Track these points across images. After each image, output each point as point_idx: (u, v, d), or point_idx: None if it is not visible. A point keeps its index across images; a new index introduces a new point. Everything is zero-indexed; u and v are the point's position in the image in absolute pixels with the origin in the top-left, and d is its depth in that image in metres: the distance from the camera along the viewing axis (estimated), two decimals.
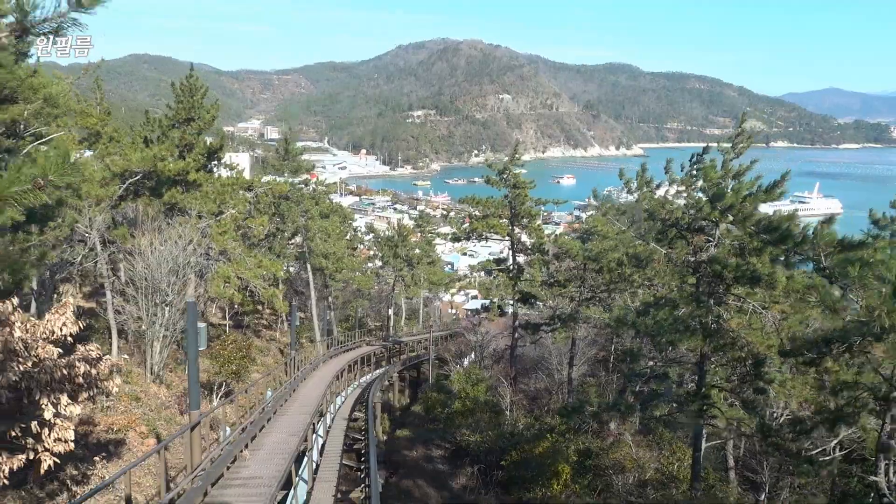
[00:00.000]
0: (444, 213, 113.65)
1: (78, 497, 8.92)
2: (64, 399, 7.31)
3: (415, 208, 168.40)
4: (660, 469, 16.13)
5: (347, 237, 44.12)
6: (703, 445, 12.86)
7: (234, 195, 22.77)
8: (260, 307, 35.19)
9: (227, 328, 29.62)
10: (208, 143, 23.47)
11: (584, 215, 58.90)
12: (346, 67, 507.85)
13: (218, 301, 30.37)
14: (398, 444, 19.79)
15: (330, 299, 39.79)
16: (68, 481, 9.54)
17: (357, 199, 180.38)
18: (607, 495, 15.15)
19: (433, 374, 30.98)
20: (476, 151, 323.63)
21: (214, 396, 17.52)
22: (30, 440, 7.88)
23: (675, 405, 12.89)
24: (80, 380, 7.49)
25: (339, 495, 12.37)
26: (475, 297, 67.78)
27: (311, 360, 27.14)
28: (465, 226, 24.82)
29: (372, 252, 49.16)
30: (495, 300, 26.44)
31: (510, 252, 24.92)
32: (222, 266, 21.44)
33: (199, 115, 22.96)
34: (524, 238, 24.36)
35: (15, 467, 7.85)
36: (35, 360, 7.12)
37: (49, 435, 7.63)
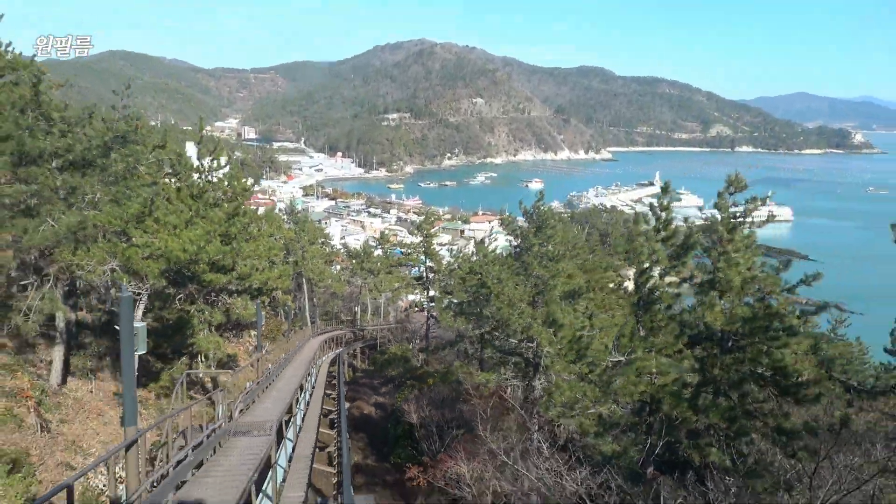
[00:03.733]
0: (416, 215, 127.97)
1: (235, 370, 25.64)
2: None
3: (388, 212, 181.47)
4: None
5: (326, 251, 60.73)
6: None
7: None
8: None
9: None
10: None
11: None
12: (324, 67, 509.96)
13: None
14: (357, 378, 37.06)
15: (315, 300, 56.48)
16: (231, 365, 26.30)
17: (333, 202, 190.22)
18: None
19: (381, 348, 48.18)
20: (449, 154, 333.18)
21: (264, 350, 34.23)
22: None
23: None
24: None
25: (324, 392, 29.43)
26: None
27: (306, 335, 44.07)
28: (397, 258, 42.37)
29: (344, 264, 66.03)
30: (416, 302, 43.68)
31: (425, 273, 42.16)
32: None
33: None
34: (432, 265, 41.58)
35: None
36: None
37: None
